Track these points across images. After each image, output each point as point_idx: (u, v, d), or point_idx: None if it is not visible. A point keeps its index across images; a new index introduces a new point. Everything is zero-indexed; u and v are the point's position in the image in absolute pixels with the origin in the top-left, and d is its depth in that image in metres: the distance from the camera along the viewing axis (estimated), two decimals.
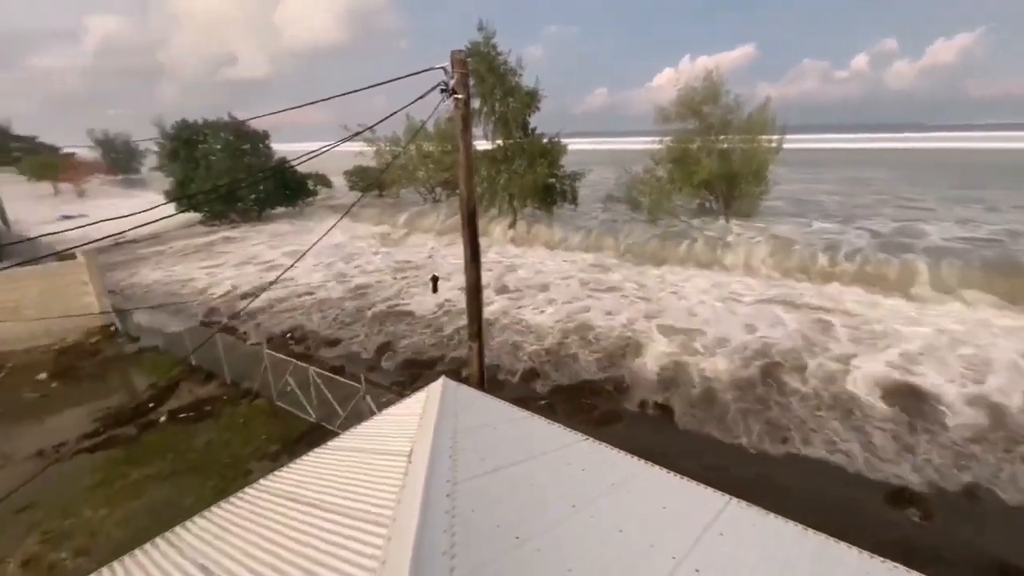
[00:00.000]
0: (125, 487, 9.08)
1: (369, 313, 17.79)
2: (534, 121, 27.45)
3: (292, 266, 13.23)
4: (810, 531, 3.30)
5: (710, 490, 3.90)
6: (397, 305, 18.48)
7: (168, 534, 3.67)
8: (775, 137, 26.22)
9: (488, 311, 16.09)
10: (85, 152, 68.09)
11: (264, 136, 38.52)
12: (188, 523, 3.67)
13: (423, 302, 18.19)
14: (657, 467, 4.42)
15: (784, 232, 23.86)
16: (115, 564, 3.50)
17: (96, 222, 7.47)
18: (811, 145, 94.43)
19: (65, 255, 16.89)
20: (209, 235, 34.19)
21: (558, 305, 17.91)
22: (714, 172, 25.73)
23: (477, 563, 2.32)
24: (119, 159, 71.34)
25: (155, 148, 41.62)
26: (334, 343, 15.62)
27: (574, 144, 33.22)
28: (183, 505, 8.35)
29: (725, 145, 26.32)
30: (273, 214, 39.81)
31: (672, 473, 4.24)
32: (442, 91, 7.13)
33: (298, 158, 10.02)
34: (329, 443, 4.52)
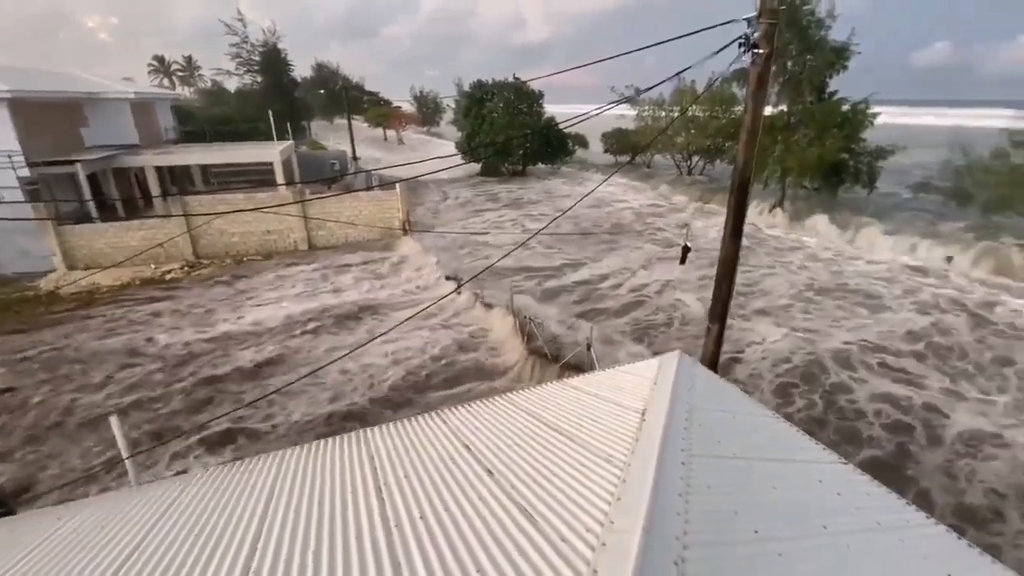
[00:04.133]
0: None
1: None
2: (835, 83, 22.87)
3: (565, 213, 14.61)
4: None
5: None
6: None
7: (436, 413, 4.57)
8: None
9: None
10: (406, 106, 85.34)
11: (539, 96, 41.73)
12: (453, 408, 4.49)
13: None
14: (943, 526, 3.48)
15: None
16: (399, 422, 4.55)
17: (404, 164, 9.43)
18: None
19: (387, 187, 21.91)
20: (488, 185, 39.46)
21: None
22: None
23: (712, 540, 2.22)
24: (428, 113, 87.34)
25: (452, 105, 49.43)
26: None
27: (887, 115, 26.52)
28: None
29: None
30: (532, 170, 43.50)
31: (969, 542, 3.27)
32: (740, 45, 6.49)
33: (567, 120, 10.54)
34: (565, 380, 4.89)
